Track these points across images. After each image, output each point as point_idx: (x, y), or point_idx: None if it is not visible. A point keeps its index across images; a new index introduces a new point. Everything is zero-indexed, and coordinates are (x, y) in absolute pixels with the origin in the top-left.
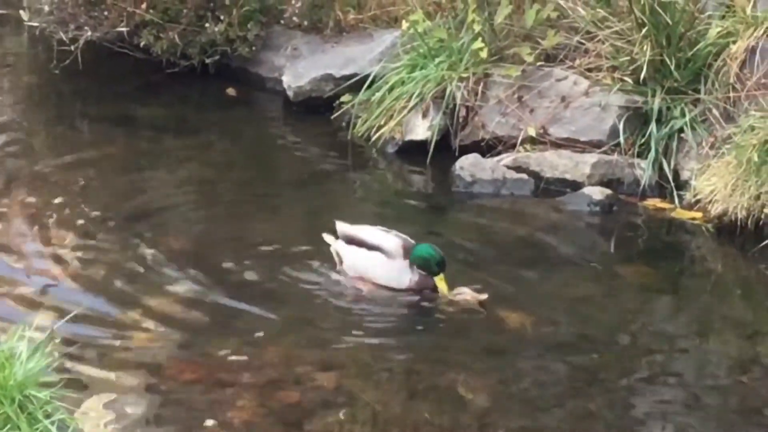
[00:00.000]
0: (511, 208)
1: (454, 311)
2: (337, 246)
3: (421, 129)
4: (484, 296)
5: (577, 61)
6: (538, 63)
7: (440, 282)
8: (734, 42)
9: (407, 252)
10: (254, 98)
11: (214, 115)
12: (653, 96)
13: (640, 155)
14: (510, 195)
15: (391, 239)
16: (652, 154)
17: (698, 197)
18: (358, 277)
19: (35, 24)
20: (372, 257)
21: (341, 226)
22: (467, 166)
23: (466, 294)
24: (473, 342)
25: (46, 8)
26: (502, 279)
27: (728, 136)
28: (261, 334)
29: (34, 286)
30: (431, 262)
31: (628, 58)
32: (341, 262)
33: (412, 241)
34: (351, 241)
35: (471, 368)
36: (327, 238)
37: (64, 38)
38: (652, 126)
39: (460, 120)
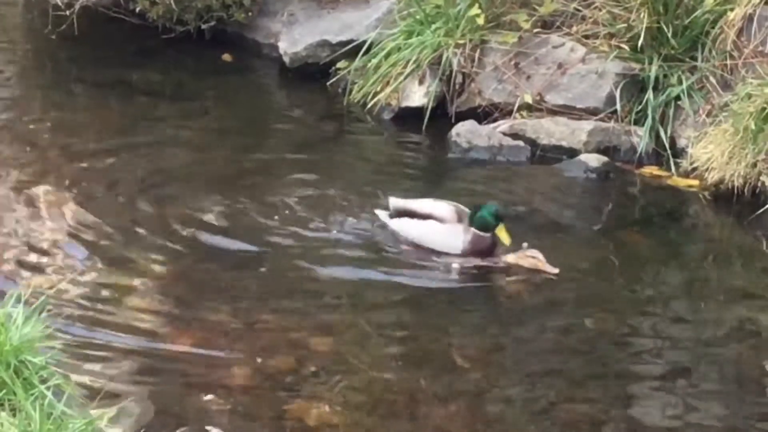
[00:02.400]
0: (507, 175)
1: (452, 278)
2: (390, 222)
3: (417, 95)
4: (555, 270)
5: (574, 28)
6: (535, 30)
7: (501, 232)
8: (731, 9)
9: (460, 216)
10: (250, 64)
11: (209, 81)
12: (650, 63)
13: (636, 122)
14: (506, 162)
15: (442, 206)
16: (649, 121)
17: (695, 165)
18: (414, 246)
19: None
20: (424, 224)
21: (393, 201)
22: (463, 132)
23: (538, 261)
24: (470, 309)
25: None
26: None
27: (725, 104)
28: (256, 299)
29: (29, 251)
30: (489, 213)
31: (625, 25)
32: (397, 238)
33: (464, 208)
34: (402, 213)
35: (467, 335)
36: (380, 214)
37: (60, 3)
38: (649, 93)
39: (457, 87)
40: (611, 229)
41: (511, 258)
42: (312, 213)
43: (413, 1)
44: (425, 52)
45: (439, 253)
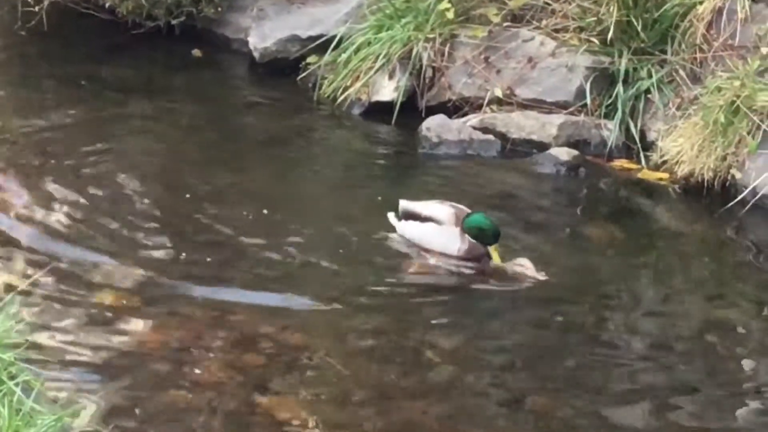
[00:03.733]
0: (477, 169)
1: (424, 274)
2: (397, 225)
3: (387, 90)
4: (543, 276)
5: (544, 22)
6: (505, 24)
7: (494, 252)
8: (701, 2)
9: (459, 220)
10: (220, 59)
11: (180, 76)
12: (620, 57)
13: (606, 116)
14: (476, 156)
15: (444, 209)
16: (619, 115)
17: (665, 158)
18: (418, 248)
19: None
20: (424, 226)
21: (402, 204)
22: (434, 127)
23: (527, 269)
24: (441, 304)
25: None
26: None
27: (695, 97)
28: (226, 294)
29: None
30: (487, 232)
31: (595, 18)
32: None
33: (467, 210)
34: (408, 216)
35: (439, 330)
36: (391, 218)
37: None
38: (619, 87)
39: (427, 81)
40: (581, 222)
41: (500, 264)
42: (282, 208)
43: None
44: (395, 46)
45: (438, 255)
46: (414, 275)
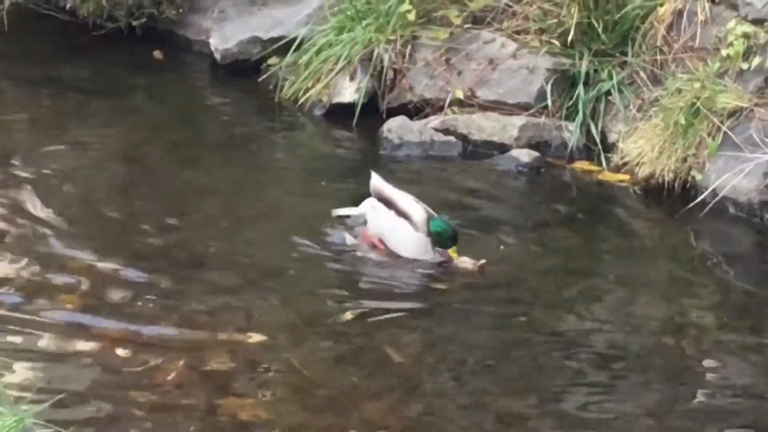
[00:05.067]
0: (439, 171)
1: (383, 274)
2: (368, 203)
3: (348, 91)
4: (482, 261)
5: (505, 24)
6: (466, 25)
7: (453, 253)
8: (661, 5)
9: (427, 224)
10: (181, 61)
11: (141, 77)
12: (581, 59)
13: (567, 118)
14: (438, 157)
15: (419, 211)
16: (580, 116)
17: (625, 160)
18: (376, 238)
19: None
20: (399, 225)
21: (375, 181)
22: (395, 128)
23: (467, 263)
24: (402, 305)
25: None
26: None
27: (655, 99)
28: (187, 297)
29: None
30: (443, 236)
31: (556, 20)
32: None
33: (432, 213)
34: (381, 198)
35: (401, 331)
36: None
37: None
38: (580, 89)
39: (388, 82)
40: (542, 224)
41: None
42: (244, 209)
43: None
44: (356, 48)
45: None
46: (375, 278)
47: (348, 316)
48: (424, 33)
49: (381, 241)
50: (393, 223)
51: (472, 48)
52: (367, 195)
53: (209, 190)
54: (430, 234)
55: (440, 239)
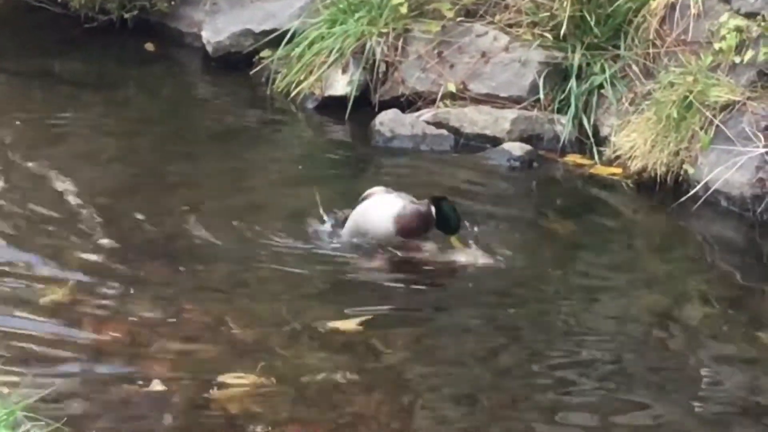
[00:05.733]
0: (430, 164)
1: (375, 270)
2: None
3: (340, 85)
4: (487, 260)
5: (497, 17)
6: (458, 18)
7: (455, 243)
8: None
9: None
10: (173, 54)
11: (133, 70)
12: (573, 52)
13: (559, 111)
14: (430, 151)
15: (391, 197)
16: (572, 110)
17: (618, 153)
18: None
19: None
20: (370, 206)
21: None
22: (387, 121)
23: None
24: (392, 298)
25: None
26: None
27: (648, 92)
28: (179, 290)
29: None
30: (450, 222)
31: (548, 13)
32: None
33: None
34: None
35: (389, 324)
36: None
37: None
38: (572, 82)
39: (380, 76)
40: (534, 217)
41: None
42: (234, 203)
43: None
44: (348, 41)
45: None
46: (367, 274)
47: (339, 312)
48: (416, 26)
49: (419, 246)
50: (364, 206)
51: (464, 41)
52: (361, 191)
53: (201, 182)
54: (402, 220)
55: (446, 223)
